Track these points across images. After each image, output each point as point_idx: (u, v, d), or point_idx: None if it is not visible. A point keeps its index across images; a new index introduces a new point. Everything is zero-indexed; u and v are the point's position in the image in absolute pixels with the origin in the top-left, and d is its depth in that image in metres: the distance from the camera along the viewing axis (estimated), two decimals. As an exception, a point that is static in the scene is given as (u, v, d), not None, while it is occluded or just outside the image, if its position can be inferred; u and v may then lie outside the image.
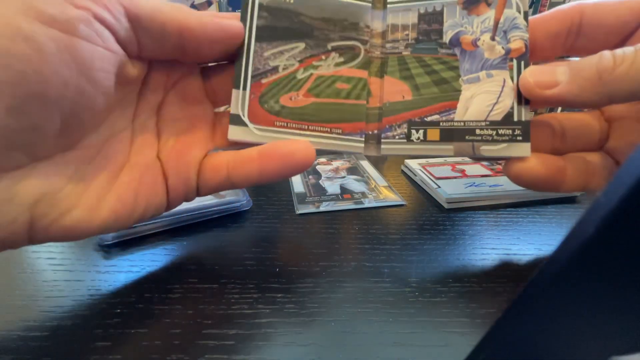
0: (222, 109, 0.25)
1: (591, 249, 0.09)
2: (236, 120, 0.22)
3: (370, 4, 0.23)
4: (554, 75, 0.19)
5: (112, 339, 0.18)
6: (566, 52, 0.23)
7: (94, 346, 0.18)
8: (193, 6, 0.45)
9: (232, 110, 0.22)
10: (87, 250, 0.25)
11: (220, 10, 0.46)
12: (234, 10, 0.49)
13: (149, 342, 0.18)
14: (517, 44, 0.22)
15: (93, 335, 0.19)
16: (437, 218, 0.29)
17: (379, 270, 0.23)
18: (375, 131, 0.23)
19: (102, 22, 0.17)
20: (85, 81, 0.16)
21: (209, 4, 0.46)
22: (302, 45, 0.23)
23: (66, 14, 0.15)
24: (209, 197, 0.28)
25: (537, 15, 0.22)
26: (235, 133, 0.22)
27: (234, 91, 0.22)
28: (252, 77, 0.22)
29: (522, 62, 0.21)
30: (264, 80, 0.22)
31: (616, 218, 0.09)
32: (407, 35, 0.23)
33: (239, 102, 0.22)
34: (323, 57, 0.23)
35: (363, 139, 0.23)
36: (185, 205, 0.27)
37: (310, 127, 0.23)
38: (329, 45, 0.23)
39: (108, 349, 0.18)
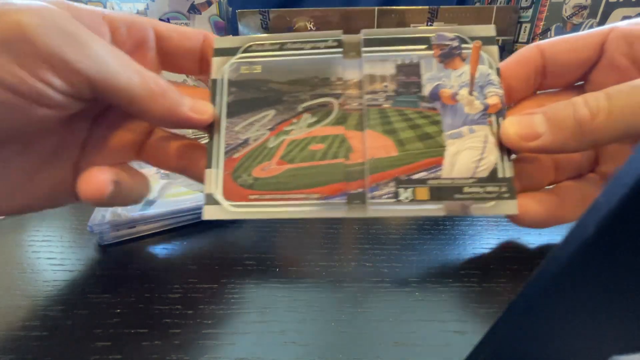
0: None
1: (591, 249, 0.09)
2: (210, 199, 0.21)
3: (341, 55, 0.23)
4: (534, 127, 0.20)
5: (112, 339, 0.19)
6: (537, 90, 0.24)
7: (94, 346, 0.18)
8: (193, 6, 0.45)
9: (206, 189, 0.21)
10: (87, 250, 0.25)
11: (220, 11, 0.46)
12: (233, 10, 0.49)
13: (149, 342, 0.18)
14: (493, 99, 0.22)
15: (93, 335, 0.19)
16: (437, 218, 0.29)
17: (379, 270, 0.23)
18: (360, 189, 0.21)
19: (61, 92, 0.17)
20: (26, 127, 0.18)
21: (209, 4, 0.46)
22: (272, 112, 0.22)
23: (23, 85, 0.16)
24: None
25: (504, 63, 0.23)
26: (209, 213, 0.21)
27: (206, 171, 0.22)
28: (225, 153, 0.22)
29: (500, 118, 0.22)
30: (235, 155, 0.22)
31: (616, 218, 0.09)
32: (386, 86, 0.22)
33: (213, 180, 0.21)
34: (294, 120, 0.22)
35: (345, 201, 0.21)
36: (184, 206, 0.27)
37: (285, 196, 0.21)
38: (300, 107, 0.22)
39: (108, 349, 0.18)
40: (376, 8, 0.47)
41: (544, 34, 0.48)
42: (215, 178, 0.21)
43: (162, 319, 0.20)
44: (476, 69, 0.22)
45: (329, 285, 0.22)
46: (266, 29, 0.48)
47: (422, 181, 0.21)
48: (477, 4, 0.60)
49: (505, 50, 0.49)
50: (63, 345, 0.18)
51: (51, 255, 0.25)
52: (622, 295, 0.11)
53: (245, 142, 0.22)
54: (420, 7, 0.47)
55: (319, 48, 0.23)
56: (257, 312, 0.20)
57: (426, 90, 0.22)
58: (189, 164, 0.24)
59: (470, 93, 0.22)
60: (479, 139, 0.22)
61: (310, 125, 0.22)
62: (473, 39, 0.22)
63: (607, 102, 0.18)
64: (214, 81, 0.23)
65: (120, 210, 0.26)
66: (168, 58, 0.23)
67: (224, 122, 0.22)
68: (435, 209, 0.21)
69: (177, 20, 0.46)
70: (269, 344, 0.18)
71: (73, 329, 0.19)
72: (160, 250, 0.25)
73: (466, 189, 0.21)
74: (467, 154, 0.21)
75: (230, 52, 0.23)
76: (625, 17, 0.45)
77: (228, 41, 0.23)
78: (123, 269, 0.23)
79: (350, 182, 0.21)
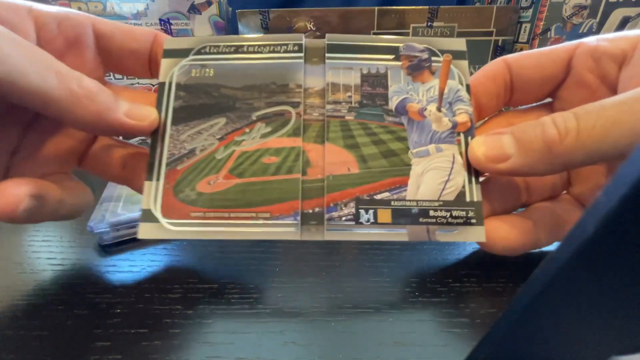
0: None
1: (591, 249, 0.09)
2: (147, 216, 0.19)
3: (302, 60, 0.21)
4: (502, 148, 0.18)
5: (112, 339, 0.19)
6: (505, 106, 0.23)
7: (94, 346, 0.18)
8: (193, 6, 0.45)
9: (143, 205, 0.19)
10: (87, 250, 0.25)
11: (220, 11, 0.46)
12: (233, 10, 0.49)
13: (149, 342, 0.18)
14: (462, 117, 0.21)
15: (93, 335, 0.19)
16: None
17: (379, 270, 0.23)
18: (317, 209, 0.19)
19: None
20: None
21: (209, 4, 0.46)
22: (222, 120, 0.20)
23: None
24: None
25: (473, 78, 0.22)
26: (145, 231, 0.19)
27: (145, 183, 0.19)
28: (167, 164, 0.20)
29: (469, 137, 0.20)
30: (179, 167, 0.20)
31: (616, 218, 0.09)
32: (350, 97, 0.21)
33: (152, 195, 0.19)
34: (247, 129, 0.20)
35: (298, 221, 0.19)
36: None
37: (232, 214, 0.19)
38: (254, 115, 0.20)
39: (108, 348, 0.18)
40: (376, 8, 0.47)
41: (544, 34, 0.48)
42: (154, 192, 0.19)
43: (162, 319, 0.20)
44: (446, 83, 0.21)
45: (329, 285, 0.22)
46: (266, 29, 0.48)
47: (384, 202, 0.19)
48: (477, 4, 0.60)
49: (505, 50, 0.49)
50: (63, 345, 0.18)
51: (51, 255, 0.25)
52: (622, 296, 0.11)
53: (191, 153, 0.20)
54: (420, 7, 0.47)
55: (278, 52, 0.21)
56: (257, 312, 0.20)
57: (392, 103, 0.21)
58: (132, 175, 0.22)
59: (439, 109, 0.21)
60: (446, 159, 0.20)
61: (264, 135, 0.20)
62: (443, 52, 0.22)
63: (575, 123, 0.17)
64: (161, 85, 0.21)
65: (120, 210, 0.26)
66: (112, 59, 0.21)
67: (168, 130, 0.20)
68: (397, 234, 0.19)
69: (177, 20, 0.46)
70: (269, 344, 0.18)
71: (73, 329, 0.19)
72: (160, 250, 0.25)
73: (432, 213, 0.19)
74: (433, 174, 0.20)
75: (181, 53, 0.21)
76: (625, 17, 0.45)
77: (179, 42, 0.21)
78: (123, 269, 0.23)
79: (307, 200, 0.19)
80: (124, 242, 0.26)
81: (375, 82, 0.21)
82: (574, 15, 0.46)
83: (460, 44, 0.22)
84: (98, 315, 0.20)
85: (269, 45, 0.21)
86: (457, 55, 0.22)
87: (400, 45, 0.22)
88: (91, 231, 0.25)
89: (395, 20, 0.48)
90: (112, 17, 0.45)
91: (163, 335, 0.19)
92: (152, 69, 0.22)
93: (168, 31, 0.46)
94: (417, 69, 0.21)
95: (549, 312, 0.12)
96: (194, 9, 0.46)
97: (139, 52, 0.21)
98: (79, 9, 0.44)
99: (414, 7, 0.47)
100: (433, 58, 0.21)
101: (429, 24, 0.48)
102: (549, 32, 0.47)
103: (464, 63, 0.22)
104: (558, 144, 0.17)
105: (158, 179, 0.20)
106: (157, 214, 0.19)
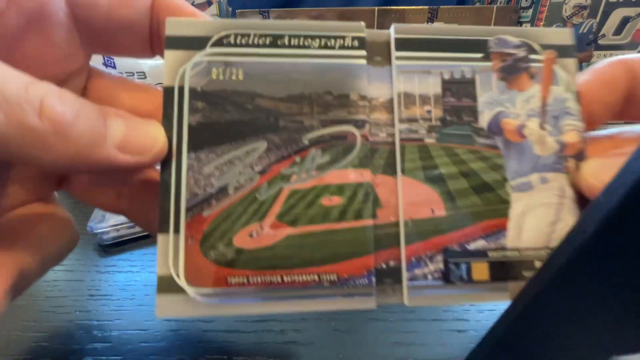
0: None
1: (591, 249, 0.09)
2: (166, 285, 0.14)
3: (364, 61, 0.16)
4: None
5: (111, 339, 0.18)
6: (614, 120, 0.19)
7: (93, 347, 0.18)
8: (193, 6, 0.46)
9: (159, 269, 0.14)
10: (87, 250, 0.25)
11: (220, 11, 0.46)
12: (233, 10, 0.48)
13: (149, 342, 0.18)
14: (572, 136, 0.16)
15: (93, 335, 0.19)
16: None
17: (379, 270, 0.23)
18: (392, 263, 0.15)
19: None
20: None
21: (209, 4, 0.46)
22: (262, 145, 0.15)
23: None
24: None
25: (583, 83, 0.17)
26: (166, 307, 0.13)
27: (159, 237, 0.14)
28: (188, 209, 0.14)
29: (581, 163, 0.16)
30: (206, 213, 0.14)
31: (616, 218, 0.09)
32: (430, 112, 0.16)
33: (170, 254, 0.14)
34: (297, 158, 0.15)
35: (373, 284, 0.14)
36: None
37: (285, 277, 0.14)
38: (305, 139, 0.15)
39: (108, 349, 0.18)
40: (376, 8, 0.47)
41: (544, 34, 0.48)
42: (173, 249, 0.14)
43: (162, 319, 0.20)
44: (549, 89, 0.16)
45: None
46: (266, 29, 0.48)
47: (480, 253, 0.15)
48: (477, 4, 0.60)
49: (505, 50, 0.49)
50: (63, 345, 0.18)
51: (51, 255, 0.25)
52: (622, 295, 0.11)
53: (222, 192, 0.15)
54: (420, 7, 0.47)
55: (332, 48, 0.16)
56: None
57: (484, 119, 0.16)
58: (132, 207, 0.17)
59: (542, 126, 0.16)
60: (554, 193, 0.16)
61: (321, 167, 0.15)
62: (545, 47, 0.17)
63: None
64: (168, 90, 0.14)
65: (120, 210, 0.26)
66: (96, 35, 0.15)
67: (185, 159, 0.14)
68: (497, 295, 0.15)
69: (177, 20, 0.46)
70: (269, 344, 0.18)
71: (73, 330, 0.19)
72: (160, 250, 0.25)
73: (538, 265, 0.15)
74: (538, 214, 0.16)
75: (194, 43, 0.15)
76: (625, 17, 0.45)
77: (190, 25, 0.15)
78: (123, 269, 0.23)
79: (378, 252, 0.15)
80: (124, 242, 0.26)
81: (460, 91, 0.16)
82: (574, 15, 0.46)
83: (564, 35, 0.17)
84: (98, 316, 0.20)
85: (319, 37, 0.15)
86: (561, 51, 0.17)
87: (490, 38, 0.16)
88: (91, 231, 0.25)
89: (395, 20, 0.48)
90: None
91: (163, 335, 0.19)
92: (154, 45, 0.16)
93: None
94: (512, 71, 0.16)
95: (549, 312, 0.12)
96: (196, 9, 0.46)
97: (134, 23, 0.15)
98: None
99: (414, 7, 0.47)
100: (531, 56, 0.16)
101: (428, 24, 0.48)
102: (549, 32, 0.47)
103: (571, 62, 0.17)
104: None
105: (177, 231, 0.14)
106: (181, 281, 0.14)
